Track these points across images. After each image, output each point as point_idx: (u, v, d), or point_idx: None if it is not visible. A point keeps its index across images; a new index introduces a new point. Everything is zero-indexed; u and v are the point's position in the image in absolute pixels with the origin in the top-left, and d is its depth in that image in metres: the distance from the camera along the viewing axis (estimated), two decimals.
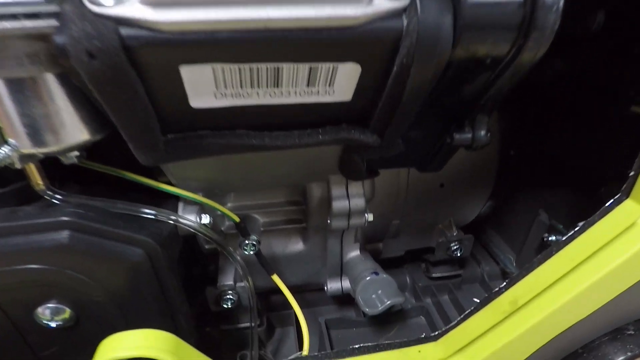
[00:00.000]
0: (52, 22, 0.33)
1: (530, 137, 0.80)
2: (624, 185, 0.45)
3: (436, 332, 0.54)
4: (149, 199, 0.59)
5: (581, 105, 0.72)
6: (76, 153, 0.47)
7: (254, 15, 0.33)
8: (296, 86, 0.41)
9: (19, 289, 0.49)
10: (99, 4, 0.31)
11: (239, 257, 0.65)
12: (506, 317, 0.49)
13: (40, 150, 0.42)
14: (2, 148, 0.41)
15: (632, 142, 0.50)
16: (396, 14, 0.35)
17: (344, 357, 0.51)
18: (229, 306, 0.72)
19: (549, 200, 0.85)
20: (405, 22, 0.35)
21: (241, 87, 0.40)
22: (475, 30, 0.36)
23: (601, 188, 0.66)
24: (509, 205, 0.95)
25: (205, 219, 0.61)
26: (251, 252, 0.68)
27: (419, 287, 0.93)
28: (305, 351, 0.65)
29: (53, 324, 0.52)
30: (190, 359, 0.46)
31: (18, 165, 0.44)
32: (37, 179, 0.48)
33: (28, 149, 0.42)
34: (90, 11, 0.31)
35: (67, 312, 0.52)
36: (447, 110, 0.49)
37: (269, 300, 0.88)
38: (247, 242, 0.67)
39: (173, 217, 0.56)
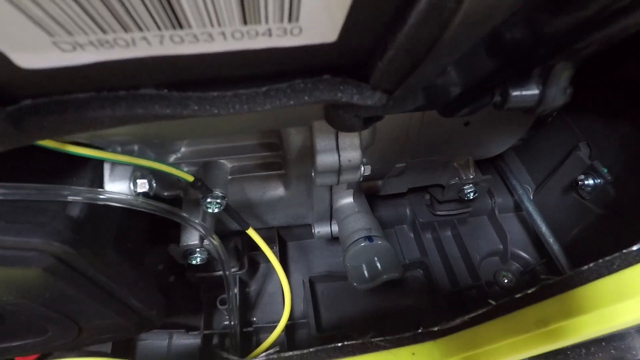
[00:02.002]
0: None
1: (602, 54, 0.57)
2: None
3: (436, 328, 0.44)
4: (61, 165, 0.42)
5: None
6: None
7: None
8: (220, 25, 0.20)
9: None
10: None
11: (198, 221, 0.52)
12: (528, 334, 0.38)
13: None
14: None
15: None
16: None
17: (324, 359, 0.43)
18: (198, 262, 0.62)
19: (596, 133, 0.66)
20: None
21: (103, 31, 0.20)
22: None
23: None
24: (542, 131, 0.77)
25: (143, 186, 0.45)
26: (216, 211, 0.54)
27: (420, 222, 0.82)
28: (286, 314, 0.58)
29: None
30: None
31: None
32: None
33: None
34: None
35: None
36: (509, 51, 0.27)
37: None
38: (209, 200, 0.53)
39: (89, 195, 0.40)
